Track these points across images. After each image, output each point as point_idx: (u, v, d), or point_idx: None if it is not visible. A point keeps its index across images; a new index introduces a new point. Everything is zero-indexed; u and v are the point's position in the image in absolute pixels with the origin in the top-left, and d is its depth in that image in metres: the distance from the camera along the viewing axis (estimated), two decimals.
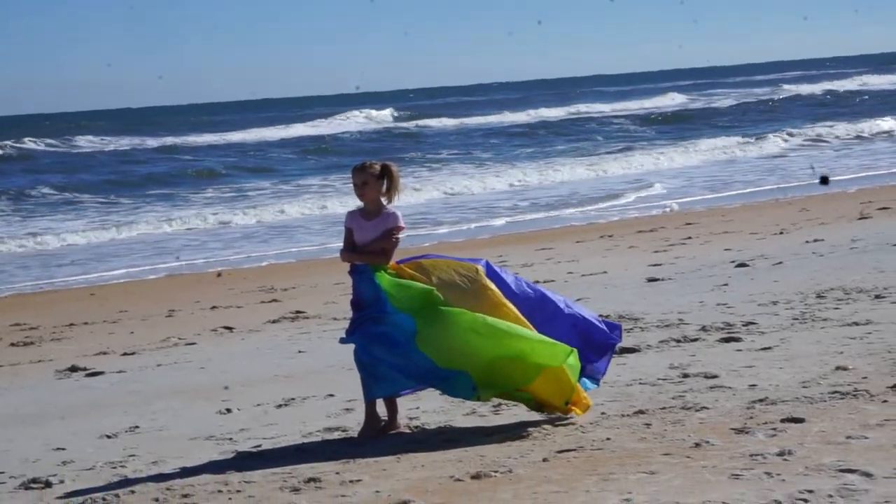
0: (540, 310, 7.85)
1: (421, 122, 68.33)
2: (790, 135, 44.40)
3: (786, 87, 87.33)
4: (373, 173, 7.82)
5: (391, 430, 7.79)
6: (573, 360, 7.66)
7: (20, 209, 33.75)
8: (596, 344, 7.95)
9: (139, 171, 43.73)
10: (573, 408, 7.72)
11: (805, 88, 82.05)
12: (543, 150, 46.15)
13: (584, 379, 7.89)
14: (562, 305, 7.93)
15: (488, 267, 7.86)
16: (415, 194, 31.08)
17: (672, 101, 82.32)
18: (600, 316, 8.36)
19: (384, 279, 7.64)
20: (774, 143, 42.42)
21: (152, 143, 59.07)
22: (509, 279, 7.90)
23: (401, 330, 7.61)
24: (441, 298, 7.60)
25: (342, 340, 7.83)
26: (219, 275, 19.16)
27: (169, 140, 60.33)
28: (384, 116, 76.42)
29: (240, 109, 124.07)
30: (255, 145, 56.72)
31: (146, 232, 26.92)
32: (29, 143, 58.71)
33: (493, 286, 7.73)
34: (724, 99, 78.20)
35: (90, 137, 62.63)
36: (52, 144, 59.38)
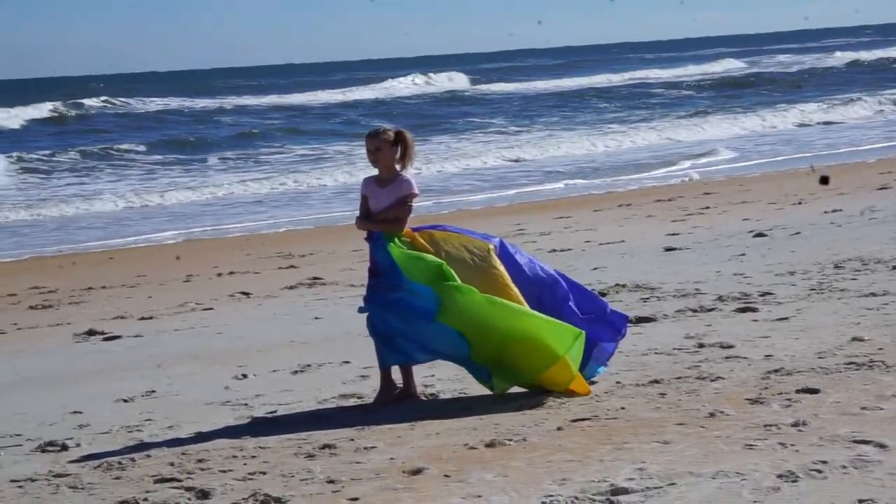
0: (551, 293, 7.84)
1: (484, 87, 68.93)
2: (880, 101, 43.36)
3: (839, 53, 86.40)
4: (386, 139, 7.80)
5: (406, 397, 7.81)
6: (578, 345, 7.65)
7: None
8: (604, 329, 7.96)
9: (220, 133, 44.32)
10: (572, 388, 7.71)
11: (864, 55, 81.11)
12: (604, 117, 45.94)
13: (592, 363, 7.86)
14: (571, 296, 7.91)
15: (502, 246, 7.83)
16: (473, 159, 31.03)
17: (729, 66, 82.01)
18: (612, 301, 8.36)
19: (396, 251, 7.63)
20: (862, 107, 41.73)
21: (211, 103, 60.05)
22: (523, 260, 7.87)
23: (420, 300, 7.60)
24: (451, 273, 7.60)
25: (360, 310, 7.83)
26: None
27: (232, 101, 61.27)
28: (442, 80, 76.55)
29: (279, 73, 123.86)
30: (324, 107, 57.59)
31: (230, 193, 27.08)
32: (90, 103, 59.78)
33: (500, 267, 7.71)
34: (782, 65, 78.01)
35: (154, 98, 63.60)
36: (111, 104, 60.24)
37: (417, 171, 27.41)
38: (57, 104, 57.18)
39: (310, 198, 25.69)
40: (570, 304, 7.89)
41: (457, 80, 76.79)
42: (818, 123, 38.12)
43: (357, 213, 7.92)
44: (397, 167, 7.84)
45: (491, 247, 7.78)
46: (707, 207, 18.52)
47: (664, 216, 17.89)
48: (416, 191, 7.83)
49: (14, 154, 35.78)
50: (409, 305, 7.62)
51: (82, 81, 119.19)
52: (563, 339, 7.60)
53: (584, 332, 7.66)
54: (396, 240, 7.69)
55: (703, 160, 28.97)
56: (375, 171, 7.89)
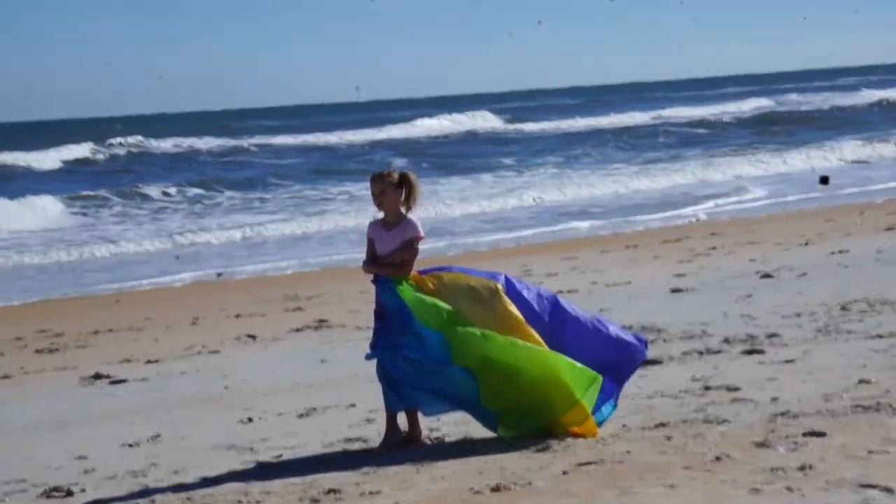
0: (560, 328, 7.79)
1: (519, 126, 69.83)
2: None
3: (865, 91, 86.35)
4: (391, 182, 7.81)
5: (411, 441, 7.79)
6: (594, 388, 7.64)
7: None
8: (620, 364, 7.86)
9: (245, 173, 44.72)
10: (581, 431, 7.67)
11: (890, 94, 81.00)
12: (641, 155, 45.99)
13: (603, 405, 7.81)
14: (586, 324, 7.84)
15: (507, 283, 7.81)
16: (503, 200, 31.08)
17: (758, 104, 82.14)
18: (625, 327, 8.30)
19: (407, 293, 7.63)
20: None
21: (230, 142, 61.00)
22: (530, 295, 7.82)
23: (429, 346, 7.59)
24: (464, 318, 7.59)
25: (368, 357, 7.81)
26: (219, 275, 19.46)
27: (257, 139, 62.34)
28: (471, 119, 77.03)
29: (296, 114, 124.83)
30: (348, 147, 58.29)
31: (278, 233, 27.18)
32: (126, 142, 60.97)
33: (511, 307, 7.68)
34: (810, 104, 78.17)
35: (180, 139, 64.15)
36: (142, 145, 61.16)
37: (430, 212, 27.53)
38: (91, 145, 58.68)
39: (315, 239, 25.74)
40: (588, 326, 7.83)
41: (487, 119, 77.33)
42: (853, 162, 38.04)
43: (363, 256, 7.94)
44: (402, 209, 7.85)
45: (499, 286, 7.76)
46: (714, 248, 18.51)
47: (671, 257, 17.88)
48: (422, 233, 7.84)
49: (62, 195, 36.10)
50: (417, 350, 7.61)
51: (102, 123, 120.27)
52: (580, 381, 7.60)
53: (600, 376, 7.65)
54: (405, 283, 7.69)
55: (734, 198, 29.11)
56: (381, 214, 7.91)
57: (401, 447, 7.70)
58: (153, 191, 37.82)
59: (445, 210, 29.39)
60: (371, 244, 7.86)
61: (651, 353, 10.11)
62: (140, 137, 63.98)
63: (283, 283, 19.04)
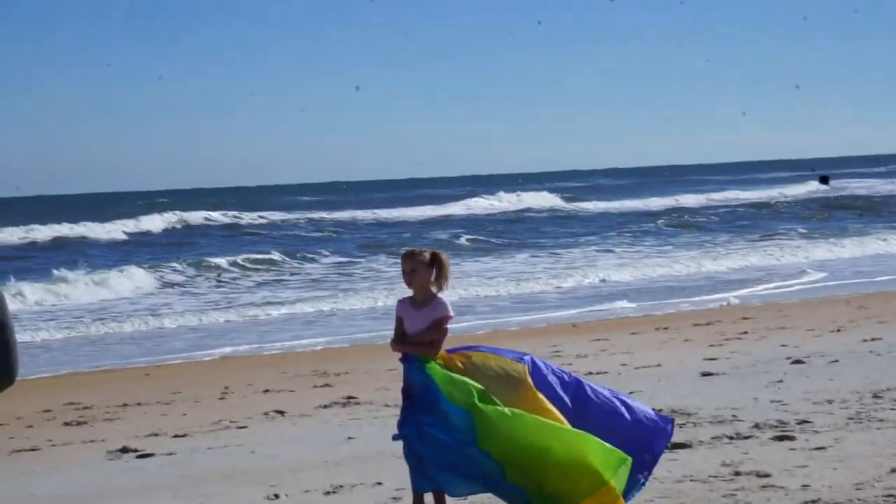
0: (583, 412, 7.74)
1: (578, 205, 71.64)
2: None
3: None
4: (422, 261, 7.83)
5: None
6: (623, 470, 7.58)
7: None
8: (645, 446, 7.80)
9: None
10: None
11: None
12: (703, 238, 46.20)
13: (634, 489, 7.74)
14: (608, 410, 7.79)
15: (533, 364, 7.79)
16: (561, 279, 31.17)
17: (812, 188, 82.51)
18: (655, 410, 8.23)
19: (437, 372, 7.62)
20: None
21: (287, 216, 64.35)
22: (554, 379, 7.79)
23: (455, 426, 7.56)
24: (491, 397, 7.57)
25: (395, 437, 7.78)
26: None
27: (314, 214, 65.68)
28: (531, 198, 78.23)
29: (335, 190, 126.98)
30: (400, 223, 59.91)
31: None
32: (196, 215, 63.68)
33: (536, 391, 7.67)
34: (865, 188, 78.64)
35: (260, 213, 67.57)
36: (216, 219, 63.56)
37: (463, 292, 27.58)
38: (154, 216, 62.12)
39: (347, 315, 25.77)
40: (615, 409, 7.79)
41: (546, 198, 78.32)
42: None
43: (392, 334, 7.93)
44: (433, 289, 7.87)
45: (526, 367, 7.75)
46: (745, 332, 18.43)
47: (702, 341, 17.81)
48: (452, 313, 7.84)
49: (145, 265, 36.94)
50: (443, 429, 7.58)
51: (146, 196, 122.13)
52: (609, 462, 7.53)
53: (630, 458, 7.59)
54: (433, 361, 7.68)
55: (793, 281, 29.14)
56: (410, 292, 7.92)
57: None
58: (220, 261, 38.63)
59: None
60: (399, 322, 7.87)
61: (681, 436, 10.06)
62: (189, 212, 66.17)
63: (312, 358, 19.04)
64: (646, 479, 7.78)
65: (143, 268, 36.31)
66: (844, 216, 55.15)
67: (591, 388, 7.88)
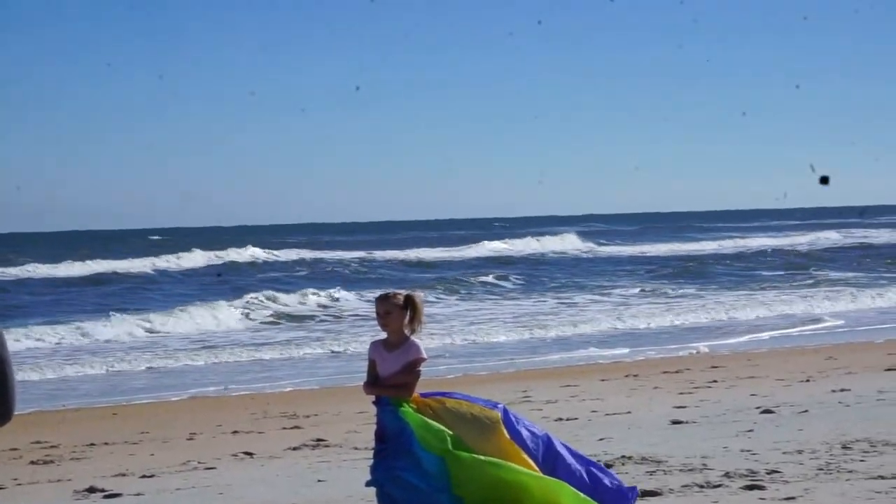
0: (551, 468, 7.74)
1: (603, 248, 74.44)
2: None
3: None
4: (396, 303, 7.83)
5: None
6: None
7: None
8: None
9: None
10: None
11: None
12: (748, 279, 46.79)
13: None
14: (574, 467, 7.79)
15: (505, 413, 7.79)
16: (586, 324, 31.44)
17: (827, 236, 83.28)
18: (617, 468, 8.25)
19: (411, 416, 7.60)
20: None
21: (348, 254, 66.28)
22: (524, 431, 7.79)
23: (428, 472, 7.54)
24: (466, 445, 7.56)
25: (368, 484, 7.75)
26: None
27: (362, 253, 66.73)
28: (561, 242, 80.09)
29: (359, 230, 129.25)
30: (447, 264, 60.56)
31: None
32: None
33: (509, 438, 7.67)
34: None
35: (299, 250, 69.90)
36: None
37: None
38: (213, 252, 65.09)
39: (310, 358, 25.71)
40: (575, 471, 7.79)
41: (570, 241, 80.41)
42: None
43: (364, 377, 7.92)
44: (406, 332, 7.86)
45: (498, 415, 7.75)
46: (715, 381, 18.47)
47: (671, 388, 17.83)
48: (425, 355, 7.82)
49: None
50: (416, 474, 7.56)
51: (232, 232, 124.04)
52: None
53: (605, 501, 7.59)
54: (407, 405, 7.66)
55: (810, 326, 29.57)
56: (384, 335, 7.91)
57: None
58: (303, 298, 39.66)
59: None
60: (372, 365, 7.85)
61: (651, 484, 10.07)
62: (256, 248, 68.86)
63: (280, 399, 18.97)
64: None
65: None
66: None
67: (562, 445, 7.88)
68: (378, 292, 8.09)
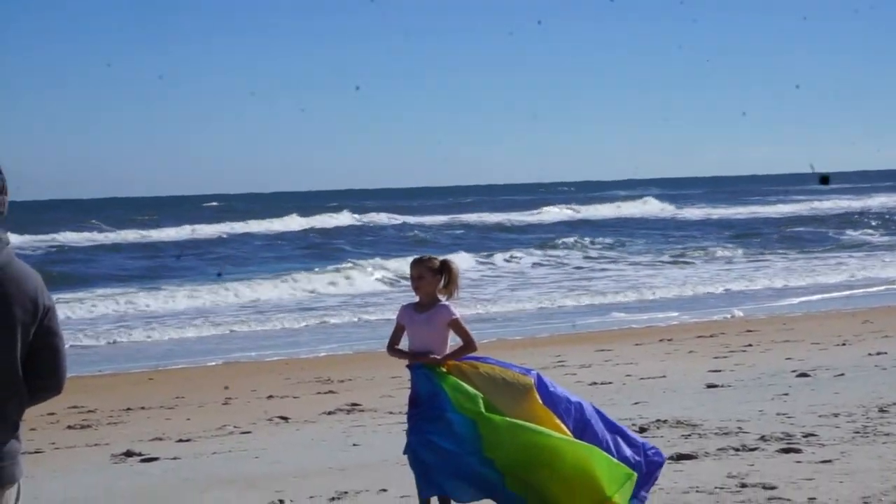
0: (580, 435, 7.73)
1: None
2: None
3: None
4: (430, 267, 7.83)
5: None
6: (629, 486, 7.56)
7: None
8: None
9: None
10: None
11: None
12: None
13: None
14: (602, 436, 7.76)
15: (539, 380, 7.78)
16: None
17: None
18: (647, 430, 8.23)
19: (446, 380, 7.62)
20: None
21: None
22: (557, 398, 7.78)
23: (460, 435, 7.55)
24: (498, 409, 7.57)
25: (405, 452, 7.76)
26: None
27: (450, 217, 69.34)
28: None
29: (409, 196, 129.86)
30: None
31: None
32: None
33: (542, 404, 7.66)
34: None
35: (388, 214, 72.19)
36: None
37: None
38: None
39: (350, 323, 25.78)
40: (603, 438, 7.78)
41: (652, 204, 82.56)
42: None
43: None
44: (441, 297, 7.85)
45: (532, 381, 7.73)
46: (749, 345, 18.41)
47: (706, 352, 17.79)
48: (457, 314, 7.81)
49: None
50: (448, 438, 7.57)
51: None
52: (614, 477, 7.52)
53: (635, 474, 7.58)
54: (439, 368, 7.67)
55: None
56: (416, 298, 7.91)
57: None
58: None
59: None
60: (399, 329, 7.87)
61: (687, 448, 10.05)
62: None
63: (315, 365, 19.02)
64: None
65: None
66: None
67: (594, 412, 7.86)
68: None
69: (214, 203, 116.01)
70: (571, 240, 48.92)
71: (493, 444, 7.51)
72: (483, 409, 7.55)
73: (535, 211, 77.09)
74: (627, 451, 7.78)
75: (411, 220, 69.30)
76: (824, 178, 27.93)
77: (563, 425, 7.64)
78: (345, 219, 69.34)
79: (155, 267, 41.91)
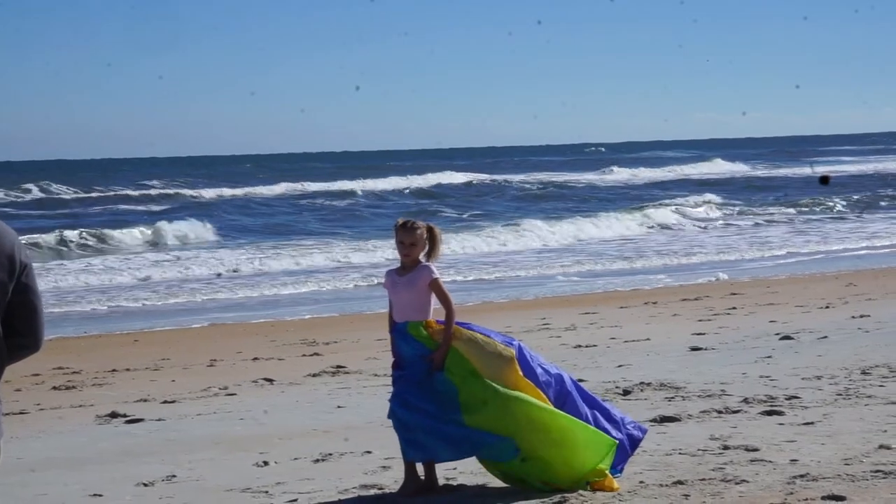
0: (563, 403, 7.78)
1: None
2: None
3: None
4: (421, 234, 7.85)
5: (428, 489, 7.76)
6: (611, 455, 7.62)
7: None
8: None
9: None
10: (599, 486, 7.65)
11: None
12: None
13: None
14: (583, 409, 7.80)
15: (520, 351, 7.80)
16: None
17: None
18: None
19: (428, 342, 7.66)
20: None
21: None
22: (538, 369, 7.81)
23: (441, 395, 7.59)
24: (480, 375, 7.60)
25: (390, 415, 7.80)
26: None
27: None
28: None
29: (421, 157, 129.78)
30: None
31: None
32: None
33: (521, 373, 7.69)
34: None
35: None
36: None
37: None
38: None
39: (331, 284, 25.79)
40: (583, 410, 7.83)
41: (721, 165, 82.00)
42: None
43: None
44: (421, 259, 7.88)
45: (513, 352, 7.75)
46: (734, 308, 18.46)
47: (690, 315, 17.84)
48: (437, 274, 7.84)
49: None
50: (429, 399, 7.61)
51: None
52: (597, 447, 7.59)
53: (617, 441, 7.64)
54: (422, 330, 7.70)
55: None
56: (398, 263, 7.94)
57: (418, 495, 7.68)
58: None
59: None
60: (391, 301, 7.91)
61: (670, 410, 10.10)
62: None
63: (300, 327, 19.04)
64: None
65: None
66: None
67: (574, 385, 7.90)
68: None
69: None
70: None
71: (472, 408, 7.57)
72: (465, 373, 7.58)
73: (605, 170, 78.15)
74: (607, 426, 7.82)
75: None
76: (824, 179, 27.96)
77: (542, 394, 7.69)
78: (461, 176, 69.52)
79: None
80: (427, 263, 7.84)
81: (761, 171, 77.24)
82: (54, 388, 13.92)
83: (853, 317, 16.23)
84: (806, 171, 71.16)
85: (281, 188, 62.85)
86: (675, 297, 20.64)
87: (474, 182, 65.11)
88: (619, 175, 74.95)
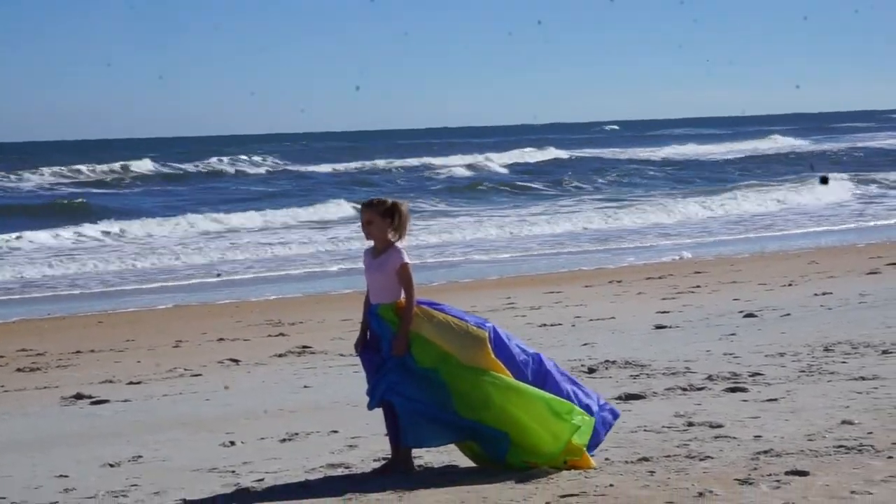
0: (544, 382, 7.82)
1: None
2: None
3: None
4: (378, 211, 7.81)
5: (394, 467, 7.77)
6: (586, 429, 7.67)
7: None
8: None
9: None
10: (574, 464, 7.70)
11: None
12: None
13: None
14: (563, 386, 7.85)
15: (494, 332, 7.81)
16: None
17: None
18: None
19: (413, 336, 7.69)
20: None
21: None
22: (514, 349, 7.83)
23: (432, 388, 7.62)
24: (455, 359, 7.62)
25: (371, 407, 7.79)
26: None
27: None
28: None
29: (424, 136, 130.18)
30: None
31: None
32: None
33: (495, 356, 7.72)
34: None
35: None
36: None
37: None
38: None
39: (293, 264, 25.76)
40: (562, 386, 7.88)
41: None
42: None
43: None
44: (391, 237, 7.84)
45: (486, 334, 7.76)
46: (697, 286, 18.56)
47: (655, 293, 17.92)
48: (407, 259, 7.80)
49: None
50: (418, 387, 7.62)
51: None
52: (572, 423, 7.63)
53: (594, 418, 7.69)
54: (394, 316, 7.69)
55: None
56: (371, 242, 7.93)
57: (384, 474, 7.69)
58: None
59: None
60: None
61: (635, 388, 10.15)
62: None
63: (265, 308, 19.02)
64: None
65: None
66: None
67: (552, 365, 7.93)
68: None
69: None
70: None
71: (458, 392, 7.61)
72: (443, 360, 7.60)
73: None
74: (586, 401, 7.87)
75: None
76: (824, 179, 28.21)
77: (517, 378, 7.71)
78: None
79: None
80: (399, 247, 7.81)
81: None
82: (18, 369, 13.87)
83: (815, 294, 16.34)
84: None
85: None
86: (640, 276, 20.73)
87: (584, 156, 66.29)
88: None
